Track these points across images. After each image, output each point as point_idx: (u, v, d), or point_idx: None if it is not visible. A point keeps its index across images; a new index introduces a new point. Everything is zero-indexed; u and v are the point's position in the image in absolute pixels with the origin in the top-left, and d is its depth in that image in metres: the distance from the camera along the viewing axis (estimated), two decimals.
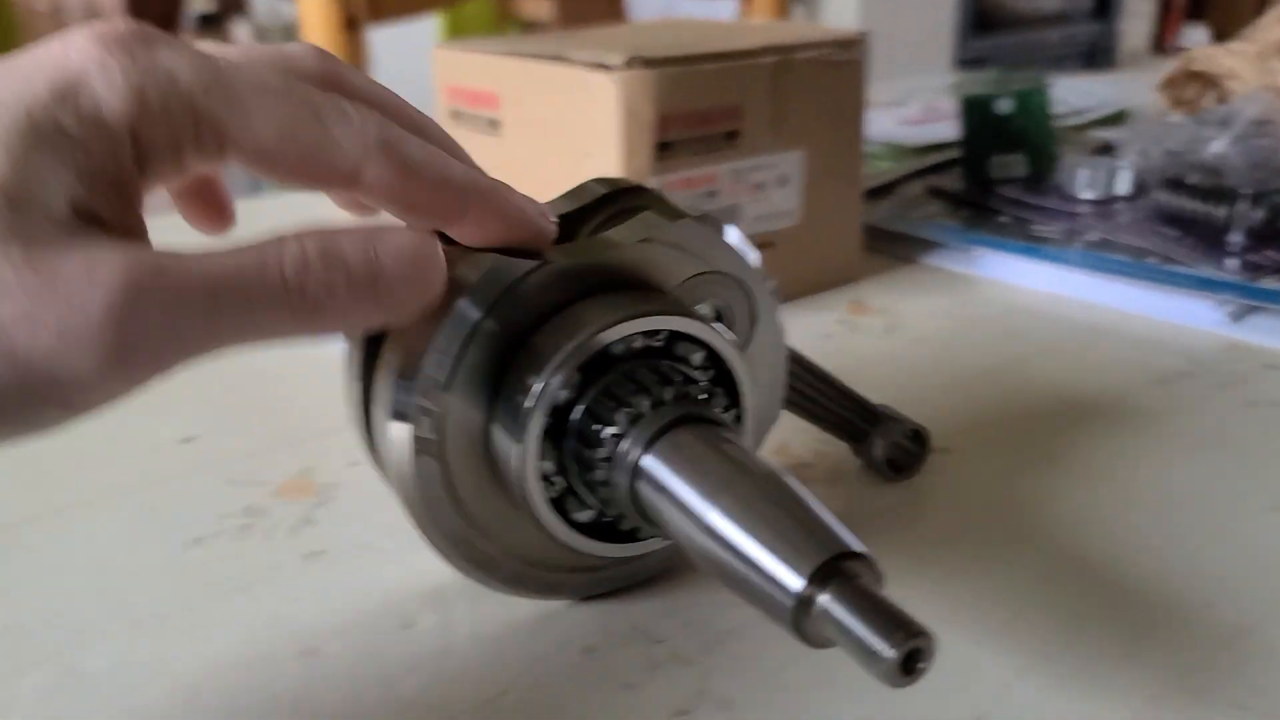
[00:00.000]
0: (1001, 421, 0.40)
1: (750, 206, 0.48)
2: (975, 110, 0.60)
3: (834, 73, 0.49)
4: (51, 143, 0.19)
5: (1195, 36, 2.15)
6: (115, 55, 0.20)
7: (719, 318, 0.29)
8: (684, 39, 0.48)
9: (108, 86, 0.20)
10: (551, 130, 0.47)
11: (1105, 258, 0.51)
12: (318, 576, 0.31)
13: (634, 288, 0.27)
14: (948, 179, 0.65)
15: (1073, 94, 0.84)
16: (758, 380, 0.29)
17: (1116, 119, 0.79)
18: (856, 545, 0.21)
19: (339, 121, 0.22)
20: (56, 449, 0.39)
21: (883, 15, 2.20)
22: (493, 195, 0.25)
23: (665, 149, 0.45)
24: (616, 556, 0.28)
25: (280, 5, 4.22)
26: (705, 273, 0.28)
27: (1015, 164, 0.60)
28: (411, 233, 0.23)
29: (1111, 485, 0.35)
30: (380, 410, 0.26)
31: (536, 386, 0.25)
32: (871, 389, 0.42)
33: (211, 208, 0.29)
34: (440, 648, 0.28)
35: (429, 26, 2.47)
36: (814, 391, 0.34)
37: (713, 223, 0.28)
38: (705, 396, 0.26)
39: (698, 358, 0.27)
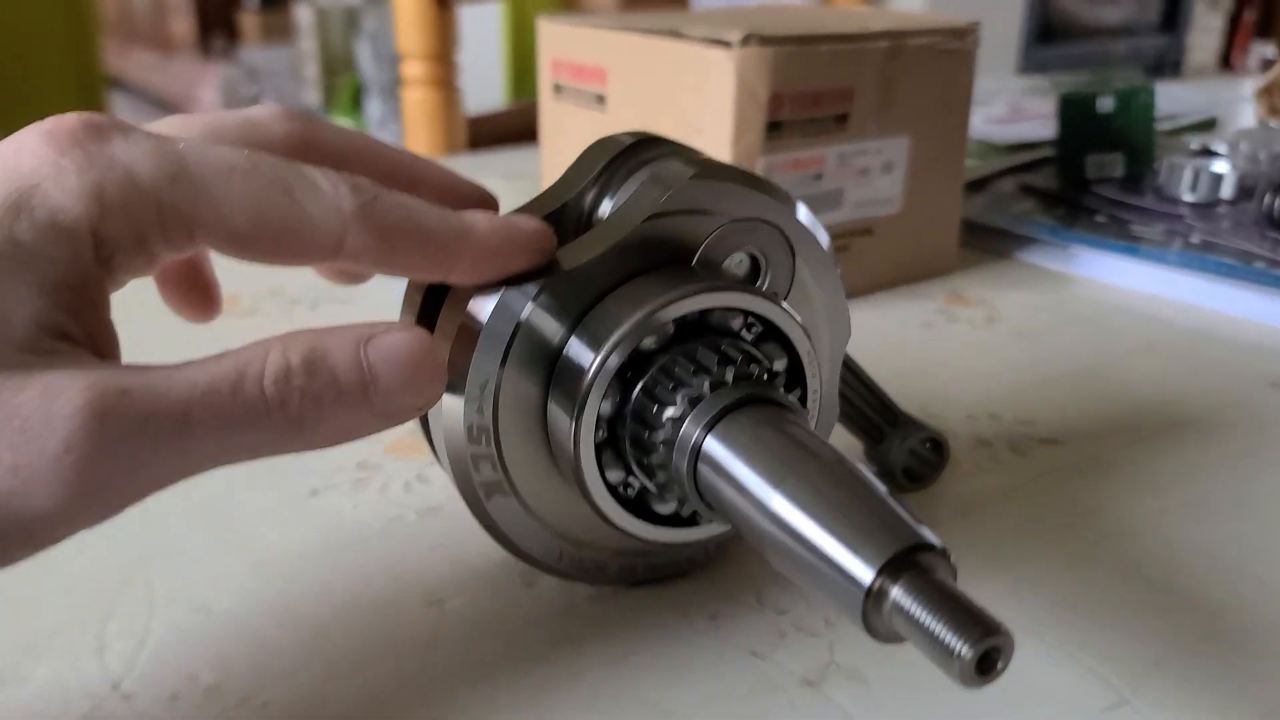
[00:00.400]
0: (1109, 416, 0.39)
1: (853, 191, 0.48)
2: (1075, 108, 0.60)
3: (945, 61, 0.49)
4: (8, 259, 0.18)
5: (1264, 52, 2.12)
6: (68, 154, 0.19)
7: (755, 267, 0.27)
8: (798, 21, 0.48)
9: (62, 190, 0.19)
10: (661, 106, 0.47)
11: (1210, 259, 0.51)
12: (435, 532, 0.32)
13: (661, 258, 0.25)
14: (1039, 177, 0.64)
15: (1163, 99, 0.82)
16: (822, 354, 0.28)
17: (1208, 125, 0.78)
18: (931, 537, 0.20)
19: (311, 195, 0.21)
20: None
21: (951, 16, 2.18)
22: (480, 235, 0.23)
23: (775, 129, 0.44)
24: (667, 541, 0.27)
25: None
26: (725, 224, 0.26)
27: (1112, 163, 0.60)
28: (407, 332, 0.21)
29: (1218, 488, 0.35)
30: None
31: (595, 364, 0.24)
32: (972, 379, 0.42)
33: (196, 292, 0.28)
34: (563, 606, 0.28)
35: (492, 9, 2.48)
36: (840, 381, 0.32)
37: (724, 172, 0.26)
38: (767, 376, 0.25)
39: (737, 323, 0.26)
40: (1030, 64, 2.64)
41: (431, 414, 0.25)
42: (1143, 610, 0.28)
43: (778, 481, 0.21)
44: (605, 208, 0.28)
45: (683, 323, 0.25)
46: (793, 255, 0.27)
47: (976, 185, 0.63)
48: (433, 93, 0.79)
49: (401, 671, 0.26)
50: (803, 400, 0.27)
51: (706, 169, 0.26)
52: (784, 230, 0.27)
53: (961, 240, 0.56)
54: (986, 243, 0.58)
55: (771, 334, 0.26)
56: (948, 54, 0.49)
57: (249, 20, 4.53)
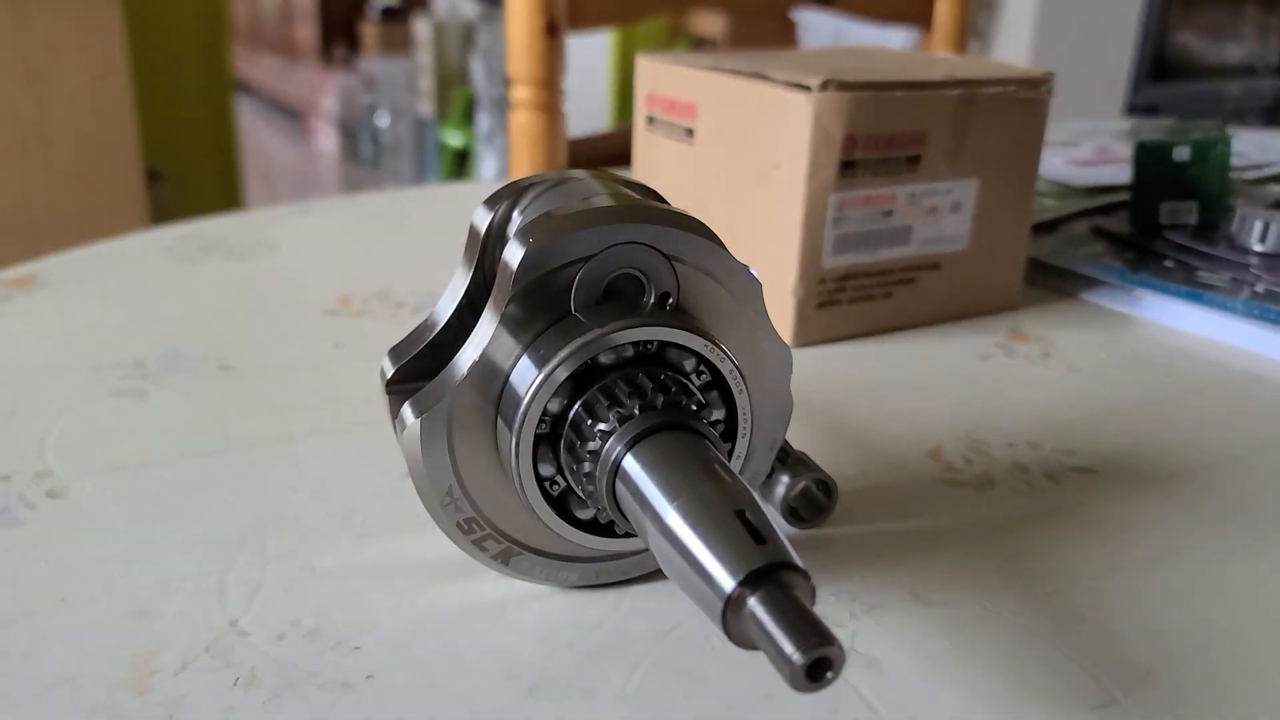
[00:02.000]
0: (1149, 451, 0.41)
1: (921, 229, 0.51)
2: (1150, 156, 0.62)
3: (1017, 109, 0.51)
4: None
5: None
6: None
7: (645, 280, 0.28)
8: (878, 66, 0.51)
9: None
10: (744, 142, 0.50)
11: (1273, 310, 0.52)
12: None
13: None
14: (1114, 221, 0.66)
15: (1252, 147, 0.83)
16: (759, 380, 0.30)
17: None
18: (794, 559, 0.22)
19: None
20: (293, 388, 0.45)
21: (1056, 55, 2.17)
22: None
23: (849, 167, 0.48)
24: (608, 550, 0.30)
25: (459, 2, 4.37)
26: (584, 262, 0.27)
27: (1186, 211, 0.61)
28: None
29: (1249, 524, 0.37)
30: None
31: (536, 382, 0.27)
32: (1019, 410, 0.44)
33: None
34: (617, 588, 0.32)
35: (600, 39, 2.55)
36: None
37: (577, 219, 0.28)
38: (697, 409, 0.27)
39: (689, 364, 0.28)
40: (1141, 102, 2.60)
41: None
42: (1145, 628, 0.31)
43: (673, 497, 0.24)
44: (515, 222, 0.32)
45: (643, 354, 0.28)
46: (669, 261, 0.28)
47: (1049, 226, 0.65)
48: (538, 116, 0.84)
49: (474, 628, 0.30)
50: (729, 451, 0.30)
51: (542, 229, 0.27)
52: (654, 245, 0.28)
53: (1028, 279, 0.58)
54: (1053, 282, 0.60)
55: (718, 385, 0.29)
56: (1020, 102, 0.51)
57: (369, 30, 4.69)
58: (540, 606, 0.31)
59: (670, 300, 0.29)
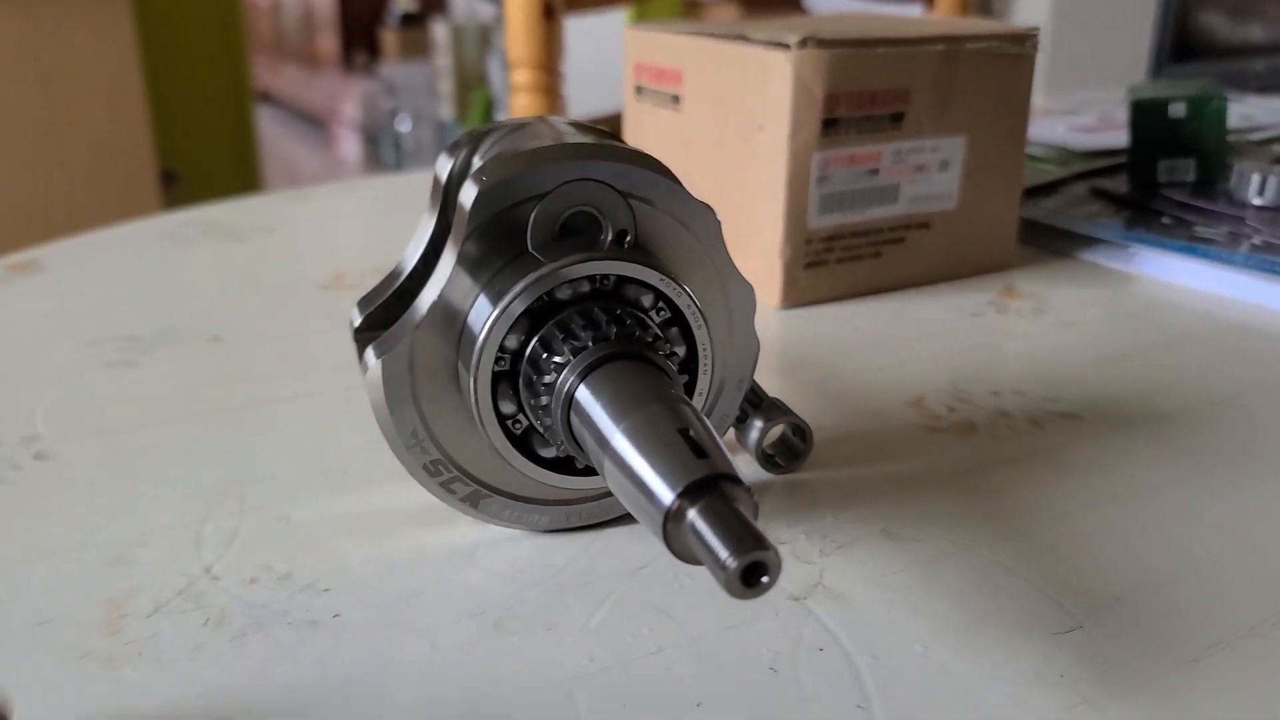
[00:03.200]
0: (1135, 396, 0.41)
1: (909, 187, 0.51)
2: (1147, 113, 0.61)
3: (1002, 65, 0.51)
4: None
5: None
6: None
7: (599, 216, 0.28)
8: (859, 27, 0.51)
9: None
10: (728, 105, 0.50)
11: (1267, 259, 0.52)
12: None
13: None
14: (1114, 182, 0.65)
15: (1259, 110, 0.82)
16: (725, 320, 0.31)
17: None
18: (733, 472, 0.22)
19: None
20: (280, 356, 0.45)
21: (1075, 36, 2.16)
22: None
23: (832, 125, 0.48)
24: (573, 489, 0.30)
25: (476, 5, 4.40)
26: (540, 198, 0.28)
27: (1184, 168, 0.61)
28: None
29: (1228, 463, 0.36)
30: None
31: (491, 318, 0.27)
32: (1006, 360, 0.44)
33: None
34: (589, 530, 0.32)
35: (618, 20, 2.55)
36: None
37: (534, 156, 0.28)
38: (652, 341, 0.27)
39: (647, 300, 0.28)
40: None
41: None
42: (1116, 558, 0.31)
43: (620, 419, 0.24)
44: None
45: (599, 290, 0.28)
46: (625, 199, 0.28)
47: (1048, 188, 0.65)
48: (538, 99, 0.84)
49: (443, 570, 0.30)
50: (690, 387, 0.30)
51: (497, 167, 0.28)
52: (608, 182, 0.28)
53: (1025, 241, 0.58)
54: (1050, 243, 0.60)
55: (678, 321, 0.29)
56: (1006, 58, 0.51)
57: (389, 37, 4.72)
58: (510, 549, 0.31)
59: (628, 238, 0.29)
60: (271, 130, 4.89)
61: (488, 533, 0.32)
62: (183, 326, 0.49)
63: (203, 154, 2.39)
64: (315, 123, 5.34)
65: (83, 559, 0.31)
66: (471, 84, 4.02)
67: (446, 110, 4.13)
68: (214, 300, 0.53)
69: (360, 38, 5.09)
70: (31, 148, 1.68)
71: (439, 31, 4.12)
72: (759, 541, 0.21)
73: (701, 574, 0.29)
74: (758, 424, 0.34)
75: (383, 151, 4.50)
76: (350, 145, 4.79)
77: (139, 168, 1.79)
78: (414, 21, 4.71)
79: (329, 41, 5.30)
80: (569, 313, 0.27)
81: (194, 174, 2.32)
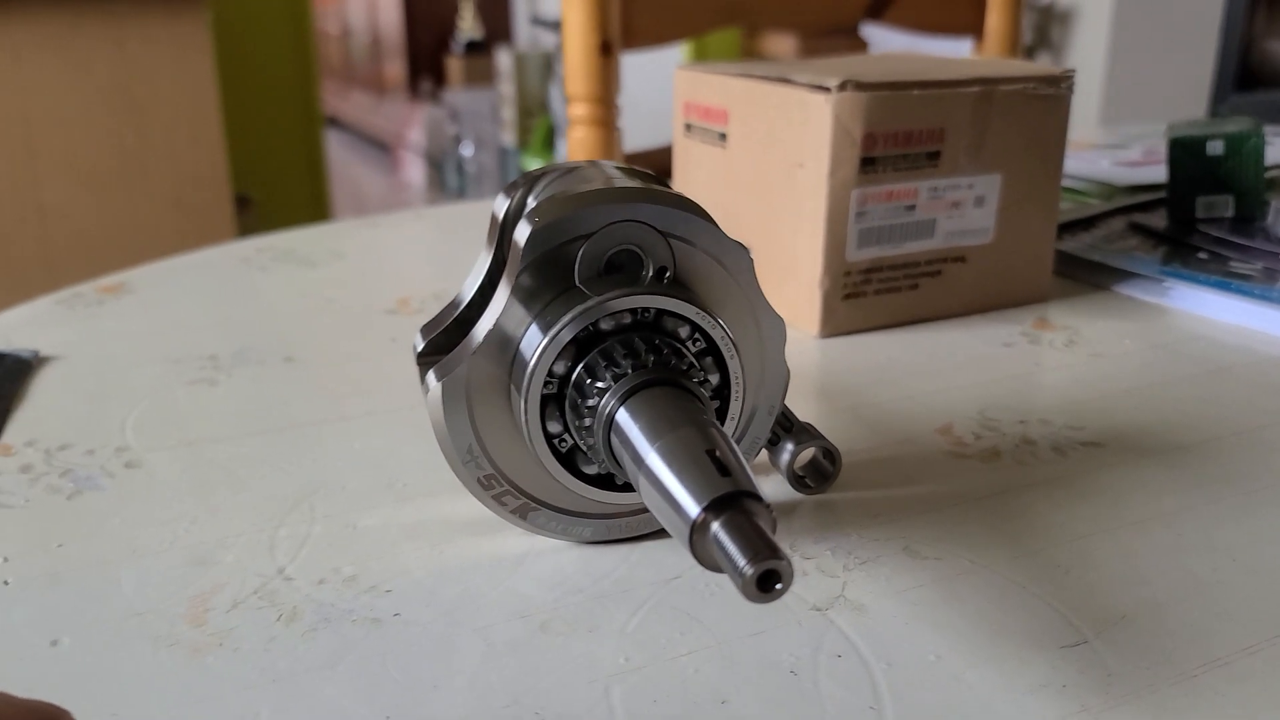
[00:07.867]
0: (1160, 426, 0.43)
1: (946, 222, 0.53)
2: (1184, 151, 0.63)
3: (1038, 105, 0.53)
4: None
5: None
6: None
7: (641, 254, 0.31)
8: (899, 68, 0.53)
9: None
10: (771, 143, 0.53)
11: None
12: None
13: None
14: (1152, 217, 0.67)
15: None
16: (757, 350, 0.33)
17: None
18: (756, 490, 0.25)
19: None
20: (350, 376, 0.49)
21: (1134, 66, 2.15)
22: None
23: (870, 163, 0.50)
24: (614, 504, 0.33)
25: (540, 33, 4.47)
26: (587, 238, 0.30)
27: (1222, 205, 0.62)
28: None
29: (1248, 493, 0.38)
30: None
31: (541, 345, 0.30)
32: (1035, 390, 0.46)
33: None
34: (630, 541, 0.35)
35: (674, 55, 2.59)
36: None
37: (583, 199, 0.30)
38: (687, 369, 0.30)
39: (684, 331, 0.31)
40: (1226, 112, 2.55)
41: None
42: (1126, 579, 0.32)
43: (654, 439, 0.27)
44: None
45: (640, 321, 0.30)
46: (665, 238, 0.31)
47: (1087, 223, 0.66)
48: (595, 131, 0.88)
49: (494, 575, 0.33)
50: (723, 412, 0.32)
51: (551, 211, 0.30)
52: (650, 223, 0.31)
53: (1061, 274, 0.59)
54: (1086, 276, 0.61)
55: (712, 351, 0.32)
56: (1041, 99, 0.53)
57: (454, 64, 4.82)
58: (556, 558, 0.34)
59: (667, 274, 0.31)
60: (339, 154, 5.01)
61: (535, 543, 0.34)
62: (259, 347, 0.52)
63: (275, 179, 2.47)
64: (381, 147, 5.45)
65: (170, 559, 0.34)
66: (534, 111, 4.09)
67: (509, 136, 4.20)
68: (288, 322, 0.56)
69: (426, 64, 5.20)
70: (121, 176, 1.76)
71: (502, 59, 4.20)
72: (773, 551, 0.23)
73: (729, 584, 0.32)
74: (789, 447, 0.37)
75: (446, 176, 4.58)
76: (415, 169, 4.88)
77: (216, 194, 1.86)
78: (478, 49, 4.80)
79: (396, 68, 5.41)
80: (612, 342, 0.30)
81: (266, 198, 2.40)
